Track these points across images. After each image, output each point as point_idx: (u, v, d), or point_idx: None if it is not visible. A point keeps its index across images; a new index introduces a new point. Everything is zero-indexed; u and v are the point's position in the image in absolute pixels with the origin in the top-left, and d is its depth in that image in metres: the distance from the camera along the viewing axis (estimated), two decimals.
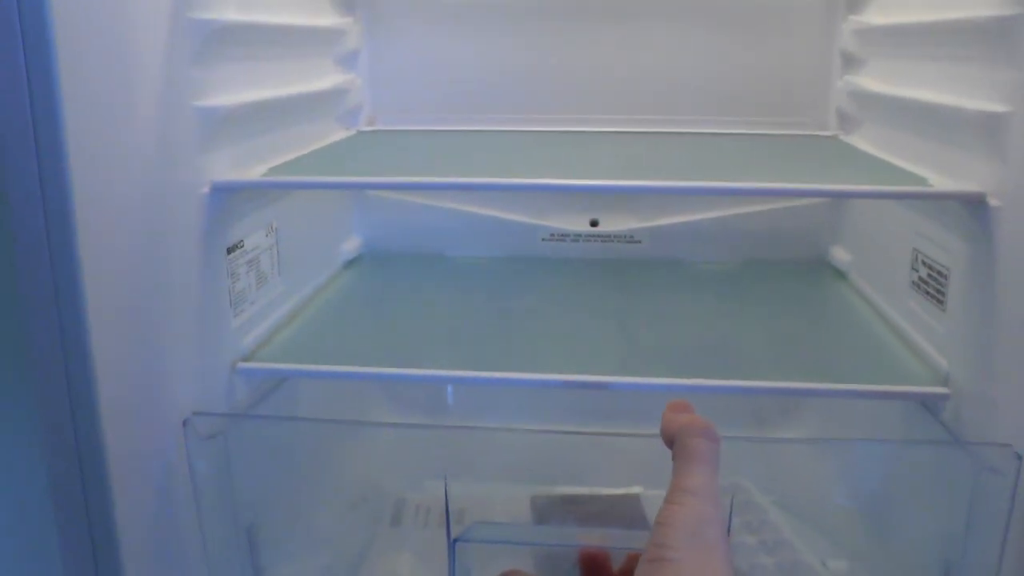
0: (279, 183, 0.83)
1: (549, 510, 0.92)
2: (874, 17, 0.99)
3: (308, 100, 0.97)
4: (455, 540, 0.66)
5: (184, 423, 0.69)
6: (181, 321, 0.69)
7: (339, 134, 1.08)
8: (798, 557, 0.88)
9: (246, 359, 0.79)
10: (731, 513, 0.62)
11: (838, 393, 0.73)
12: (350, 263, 1.12)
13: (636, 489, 0.96)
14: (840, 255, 1.07)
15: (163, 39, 0.66)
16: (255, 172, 0.80)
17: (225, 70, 0.77)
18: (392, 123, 1.15)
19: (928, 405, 0.76)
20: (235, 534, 0.75)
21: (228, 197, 0.76)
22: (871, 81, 0.98)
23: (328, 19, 1.05)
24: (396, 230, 1.16)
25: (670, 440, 0.49)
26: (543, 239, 1.14)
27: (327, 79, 1.04)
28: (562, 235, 1.14)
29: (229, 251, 0.78)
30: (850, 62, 1.05)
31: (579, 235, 1.14)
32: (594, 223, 1.13)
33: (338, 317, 0.94)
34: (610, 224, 1.13)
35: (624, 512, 0.93)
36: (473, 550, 0.66)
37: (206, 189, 0.72)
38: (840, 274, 1.07)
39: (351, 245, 1.13)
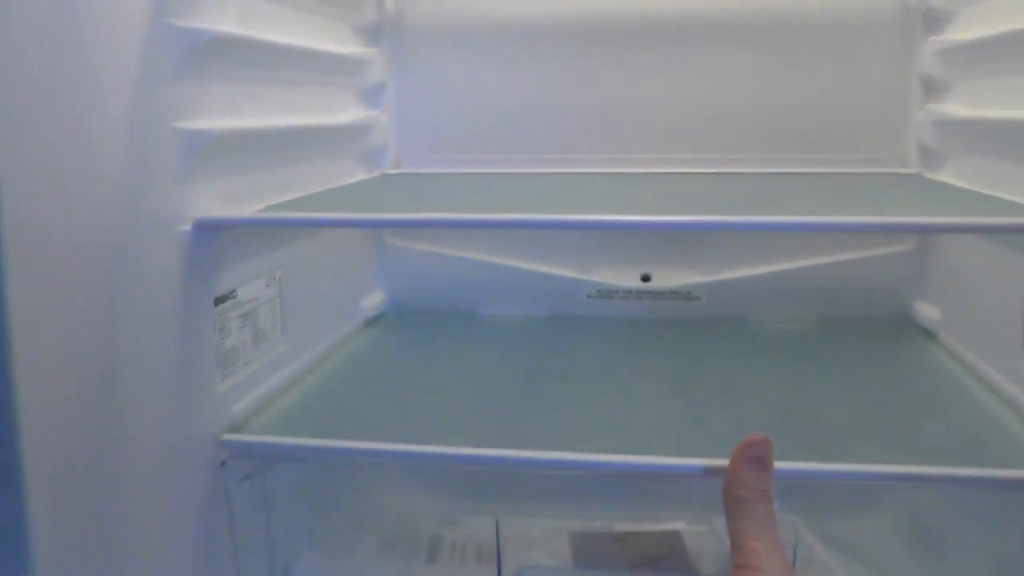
0: (273, 220, 0.71)
1: (589, 547, 0.87)
2: (959, 34, 0.87)
3: (323, 134, 0.87)
4: None
5: (222, 464, 0.66)
6: (151, 383, 0.58)
7: (359, 176, 0.98)
8: None
9: (235, 429, 0.68)
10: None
11: (950, 479, 0.58)
12: (371, 321, 1.01)
13: (679, 525, 0.88)
14: (927, 311, 0.94)
15: (136, 46, 0.56)
16: (250, 210, 0.69)
17: (219, 90, 0.67)
18: (419, 165, 1.05)
19: None
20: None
21: (216, 237, 0.65)
22: (959, 107, 0.87)
23: (349, 47, 0.95)
24: (424, 284, 1.05)
25: (729, 494, 0.52)
26: (589, 296, 1.03)
27: (347, 113, 0.95)
28: (610, 291, 1.02)
29: (217, 302, 0.67)
30: (932, 88, 0.93)
31: (629, 291, 1.02)
32: (646, 278, 1.02)
33: (352, 383, 0.83)
34: (664, 279, 1.02)
35: (666, 549, 0.86)
36: None
37: (188, 226, 0.62)
38: (927, 334, 0.93)
39: (373, 301, 1.02)
